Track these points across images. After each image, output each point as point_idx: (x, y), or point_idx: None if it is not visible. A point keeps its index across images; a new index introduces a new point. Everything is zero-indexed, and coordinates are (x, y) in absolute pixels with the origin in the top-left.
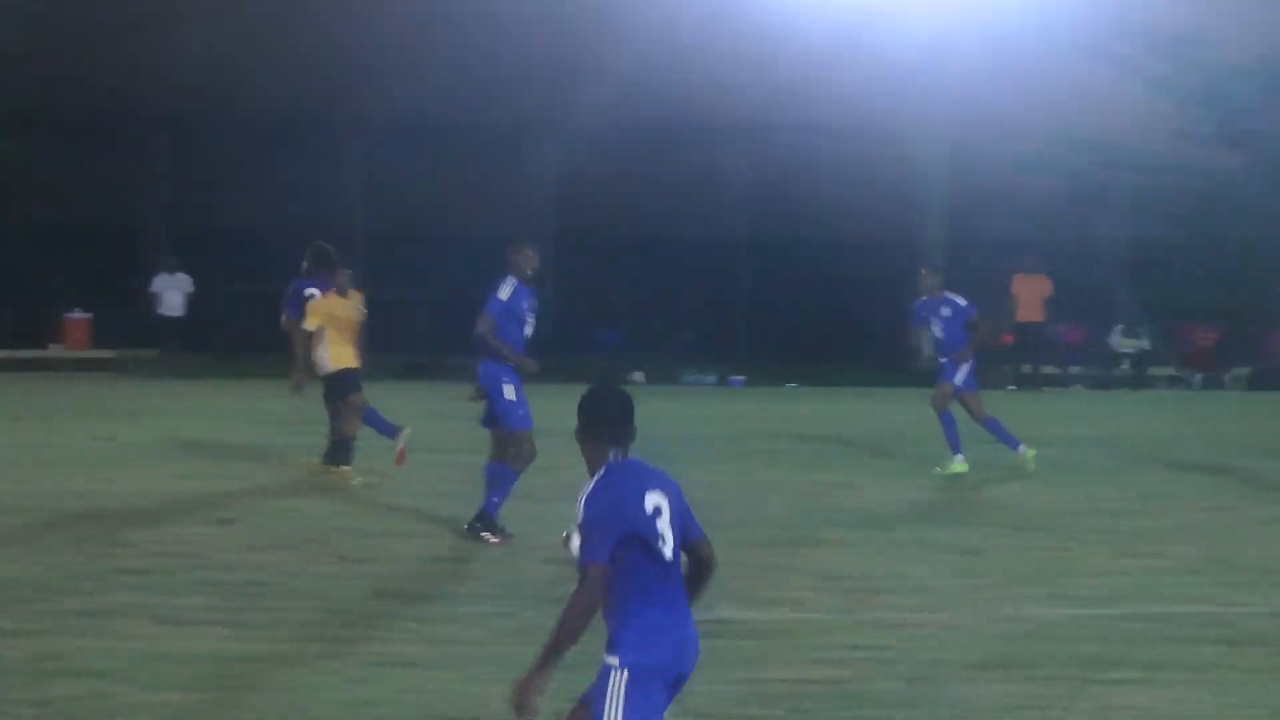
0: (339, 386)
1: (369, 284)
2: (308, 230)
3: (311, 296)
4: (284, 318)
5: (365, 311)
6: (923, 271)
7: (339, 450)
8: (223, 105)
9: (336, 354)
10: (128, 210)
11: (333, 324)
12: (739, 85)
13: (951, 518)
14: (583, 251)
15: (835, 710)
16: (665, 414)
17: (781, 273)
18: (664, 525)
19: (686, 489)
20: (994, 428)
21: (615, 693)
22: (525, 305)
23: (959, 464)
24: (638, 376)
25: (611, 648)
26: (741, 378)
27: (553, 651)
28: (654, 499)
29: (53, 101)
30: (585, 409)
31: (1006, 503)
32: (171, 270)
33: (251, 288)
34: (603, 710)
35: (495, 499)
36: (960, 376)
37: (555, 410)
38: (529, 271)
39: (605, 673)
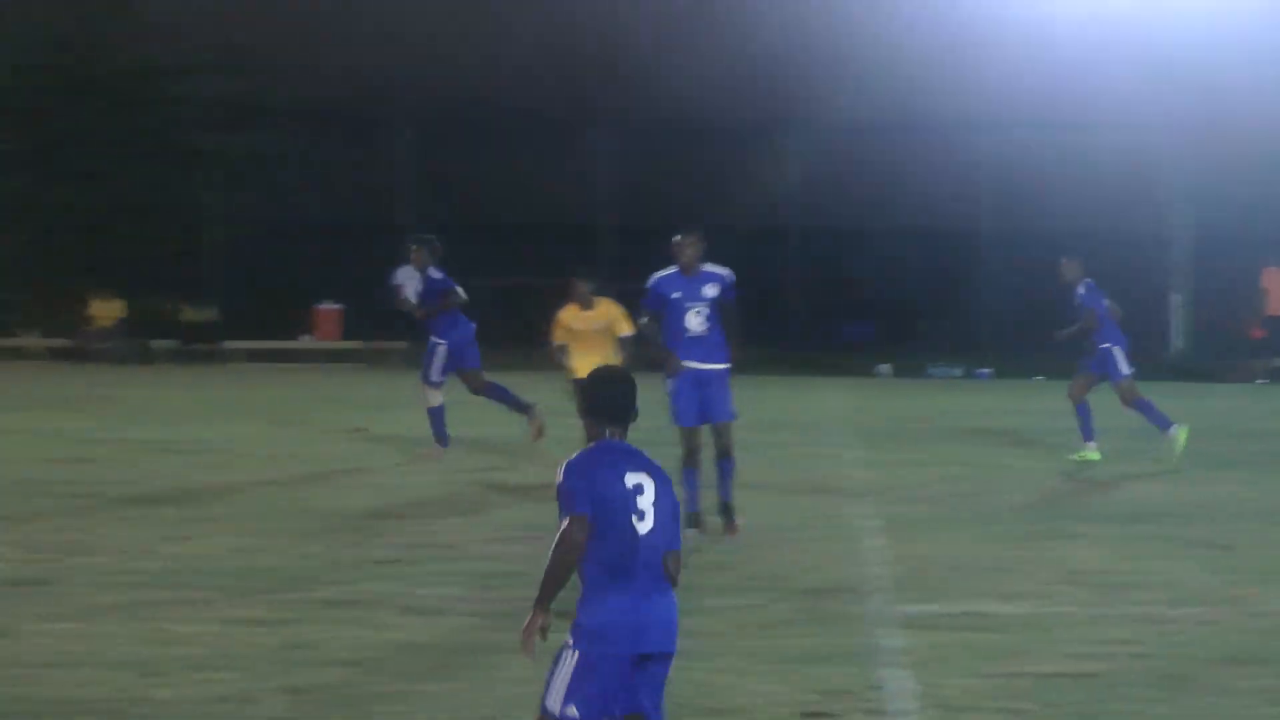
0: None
1: (618, 276)
2: (555, 224)
3: (446, 284)
4: (423, 306)
5: (624, 322)
6: (1063, 261)
7: None
8: (469, 101)
9: (578, 364)
10: (378, 203)
11: (571, 338)
12: (986, 80)
13: (1199, 512)
14: (831, 245)
15: (1088, 704)
16: (909, 407)
17: (1029, 266)
18: (645, 503)
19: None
20: (1084, 412)
21: (564, 669)
22: (677, 295)
23: (1175, 434)
24: (884, 369)
25: (573, 626)
26: (988, 370)
27: (542, 600)
28: (635, 478)
29: (306, 98)
30: (588, 390)
31: (1254, 498)
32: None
33: (501, 282)
34: (550, 676)
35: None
36: (1124, 365)
37: (802, 404)
38: (681, 260)
39: (561, 648)
